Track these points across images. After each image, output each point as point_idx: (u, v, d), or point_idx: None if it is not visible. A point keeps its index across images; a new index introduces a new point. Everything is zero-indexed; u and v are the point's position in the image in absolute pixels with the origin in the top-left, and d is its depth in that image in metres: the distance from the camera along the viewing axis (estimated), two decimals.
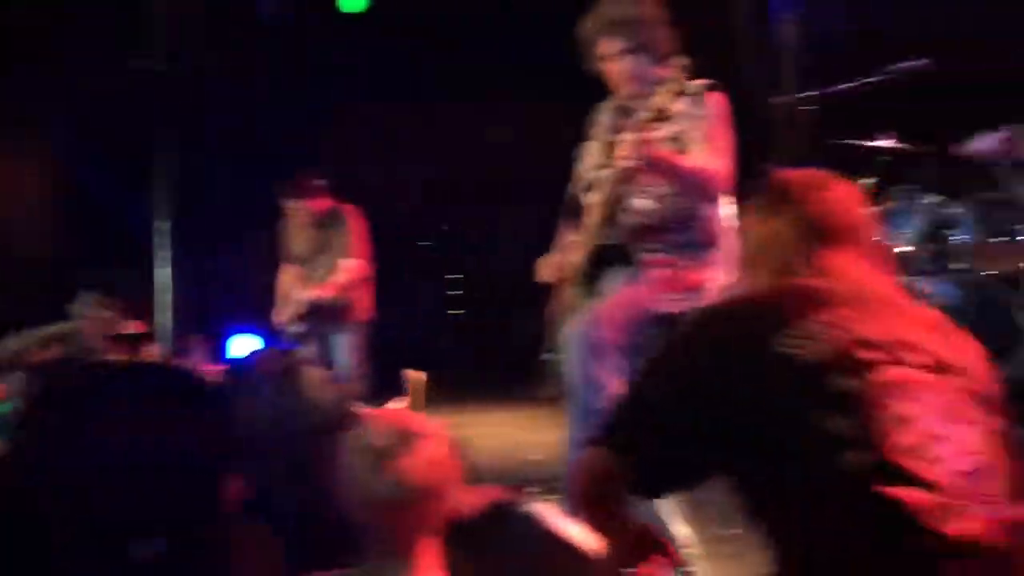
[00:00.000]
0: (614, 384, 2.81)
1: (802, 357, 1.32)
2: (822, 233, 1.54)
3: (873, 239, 1.61)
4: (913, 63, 4.32)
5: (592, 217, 3.01)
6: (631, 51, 2.91)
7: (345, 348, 4.95)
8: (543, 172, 3.70)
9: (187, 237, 6.10)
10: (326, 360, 4.92)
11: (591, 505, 1.51)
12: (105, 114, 6.50)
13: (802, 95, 4.57)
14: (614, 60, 2.94)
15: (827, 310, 1.38)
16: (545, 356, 3.19)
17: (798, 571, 1.29)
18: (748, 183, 2.36)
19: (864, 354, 1.33)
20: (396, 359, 5.13)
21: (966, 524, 1.21)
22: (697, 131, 2.86)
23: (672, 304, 2.93)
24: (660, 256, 2.93)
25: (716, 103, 2.91)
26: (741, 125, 2.92)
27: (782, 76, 4.39)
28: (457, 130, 6.97)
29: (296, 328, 5.03)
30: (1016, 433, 1.39)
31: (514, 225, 6.21)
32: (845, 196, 1.61)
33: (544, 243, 3.32)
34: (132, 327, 4.55)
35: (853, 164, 4.92)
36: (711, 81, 2.91)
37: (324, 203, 5.09)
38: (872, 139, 4.51)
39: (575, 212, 3.16)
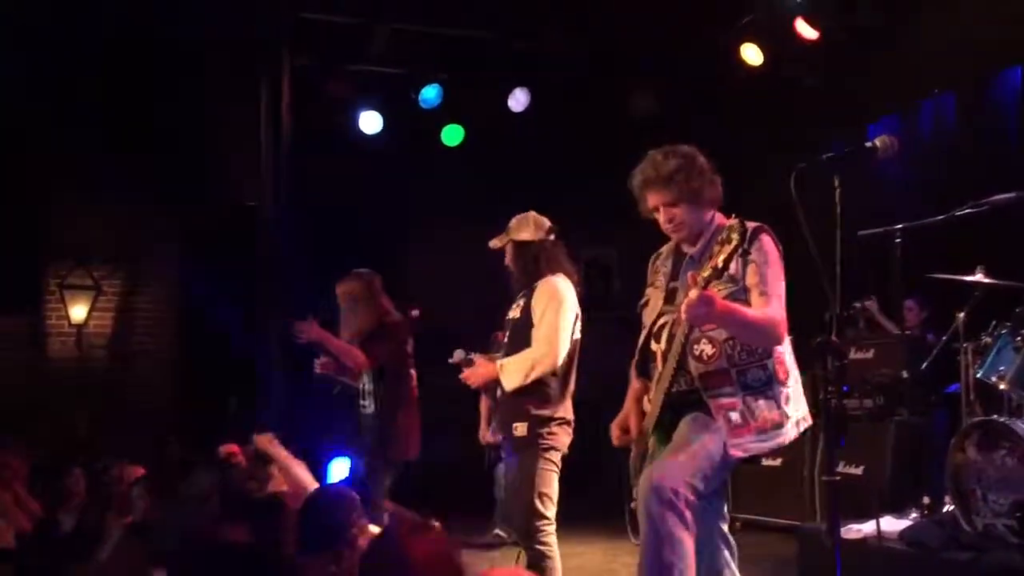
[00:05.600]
0: (686, 537, 2.81)
1: None
2: None
3: None
4: (1005, 196, 4.25)
5: (661, 365, 3.04)
6: (673, 204, 3.04)
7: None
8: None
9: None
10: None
11: None
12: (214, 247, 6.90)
13: (891, 228, 4.55)
14: (660, 212, 3.09)
15: None
16: (632, 504, 3.16)
17: None
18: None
19: None
20: None
21: None
22: (754, 276, 2.93)
23: (752, 446, 2.93)
24: (731, 400, 2.93)
25: (768, 245, 2.96)
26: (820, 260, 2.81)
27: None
28: None
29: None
30: None
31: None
32: None
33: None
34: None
35: (945, 297, 4.83)
36: (760, 224, 2.97)
37: None
38: (964, 273, 4.41)
39: (643, 360, 3.20)
